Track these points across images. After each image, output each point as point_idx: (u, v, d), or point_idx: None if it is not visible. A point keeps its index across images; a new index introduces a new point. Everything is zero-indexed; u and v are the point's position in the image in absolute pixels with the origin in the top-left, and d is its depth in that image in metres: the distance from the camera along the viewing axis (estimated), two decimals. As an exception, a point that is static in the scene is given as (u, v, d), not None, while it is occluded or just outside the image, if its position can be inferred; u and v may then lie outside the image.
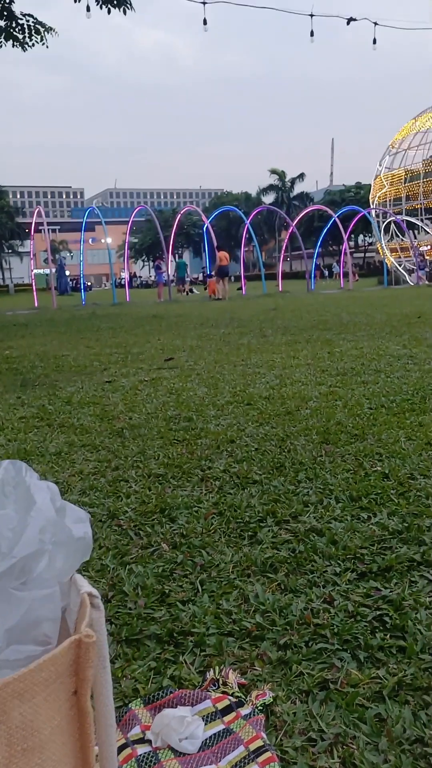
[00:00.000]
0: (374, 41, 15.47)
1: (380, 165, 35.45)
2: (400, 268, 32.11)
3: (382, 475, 2.42)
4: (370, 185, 40.42)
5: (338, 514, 2.06)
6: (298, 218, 27.71)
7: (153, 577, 1.69)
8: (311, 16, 14.62)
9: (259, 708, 1.15)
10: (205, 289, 28.38)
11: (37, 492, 0.68)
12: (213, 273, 24.55)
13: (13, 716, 0.51)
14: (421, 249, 33.42)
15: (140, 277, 71.11)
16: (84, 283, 26.13)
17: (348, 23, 14.96)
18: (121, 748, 1.03)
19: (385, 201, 34.78)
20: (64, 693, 0.56)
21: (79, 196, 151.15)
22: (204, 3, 13.45)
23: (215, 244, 24.35)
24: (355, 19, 14.78)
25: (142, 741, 1.06)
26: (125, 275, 32.36)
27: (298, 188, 73.42)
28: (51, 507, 0.68)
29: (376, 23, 15.19)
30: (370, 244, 68.10)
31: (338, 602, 1.54)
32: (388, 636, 1.40)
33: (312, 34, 14.88)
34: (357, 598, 1.55)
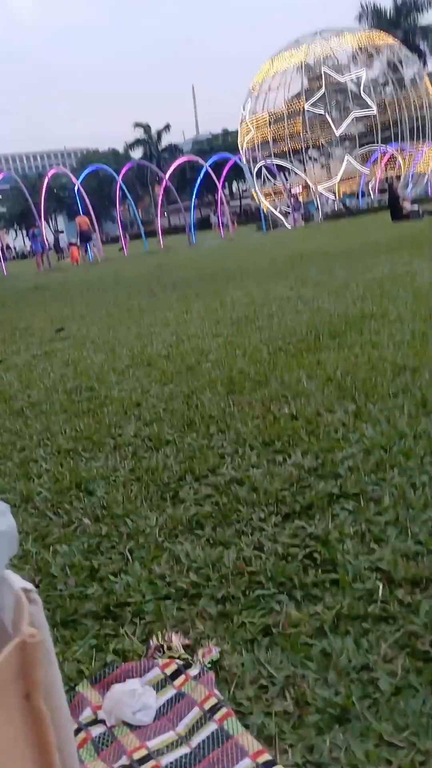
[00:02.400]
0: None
1: (244, 109, 35.35)
2: (276, 212, 32.51)
3: (291, 417, 2.46)
4: (236, 132, 40.33)
5: (255, 461, 2.08)
6: (170, 171, 27.28)
7: (80, 554, 1.65)
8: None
9: (208, 666, 1.15)
10: (63, 258, 27.91)
11: None
12: (76, 240, 24.49)
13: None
14: (294, 191, 33.96)
15: (14, 248, 67.94)
16: None
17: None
18: (74, 734, 1.00)
19: (254, 146, 34.85)
20: (15, 700, 0.52)
21: None
22: None
23: (89, 205, 23.66)
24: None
25: (95, 722, 1.03)
26: (-1, 247, 30.78)
27: (166, 140, 72.17)
28: (-33, 506, 0.62)
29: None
30: (245, 190, 68.37)
31: (268, 547, 1.56)
32: (319, 571, 1.44)
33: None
34: (285, 539, 1.58)
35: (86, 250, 23.57)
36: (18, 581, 0.65)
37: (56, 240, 36.80)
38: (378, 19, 47.64)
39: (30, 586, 0.65)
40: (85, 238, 23.06)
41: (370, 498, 1.73)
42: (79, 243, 23.84)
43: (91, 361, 4.21)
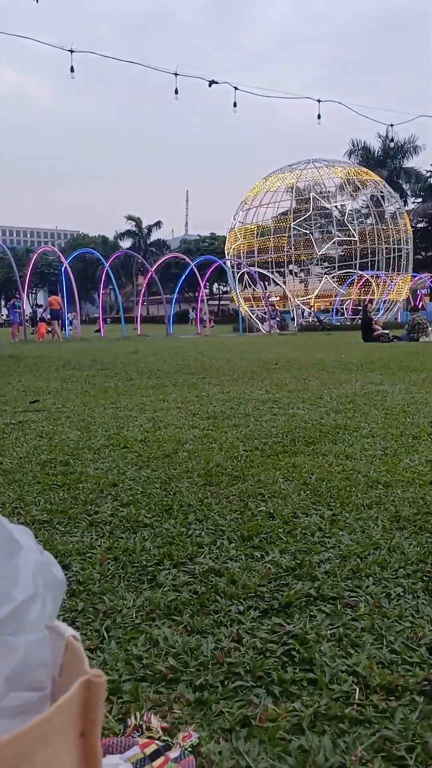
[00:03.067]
0: (234, 104, 16.49)
1: (234, 219, 37.25)
2: (253, 317, 33.61)
3: (268, 515, 2.51)
4: (223, 236, 42.21)
5: (233, 554, 2.11)
6: (158, 264, 28.26)
7: (56, 627, 1.63)
8: (176, 75, 15.31)
9: (188, 750, 1.15)
10: (33, 333, 28.42)
11: (19, 534, 0.67)
12: (45, 317, 26.11)
13: (37, 761, 0.49)
14: (271, 299, 35.29)
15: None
16: None
17: (210, 85, 15.84)
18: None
19: (239, 253, 36.47)
20: (74, 735, 0.55)
21: None
22: (72, 51, 13.61)
23: (73, 285, 24.28)
24: (216, 82, 15.66)
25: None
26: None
27: (155, 235, 75.17)
28: (36, 550, 0.67)
29: (236, 88, 16.20)
30: (225, 292, 70.75)
31: (246, 640, 1.57)
32: (297, 670, 1.46)
33: (176, 92, 15.54)
34: (263, 634, 1.60)
35: (63, 327, 24.10)
36: (67, 629, 0.69)
37: (34, 313, 37.34)
38: (366, 157, 51.58)
39: (76, 633, 0.69)
40: (55, 316, 24.11)
41: (346, 603, 1.77)
42: (49, 320, 24.87)
43: (66, 437, 4.22)
